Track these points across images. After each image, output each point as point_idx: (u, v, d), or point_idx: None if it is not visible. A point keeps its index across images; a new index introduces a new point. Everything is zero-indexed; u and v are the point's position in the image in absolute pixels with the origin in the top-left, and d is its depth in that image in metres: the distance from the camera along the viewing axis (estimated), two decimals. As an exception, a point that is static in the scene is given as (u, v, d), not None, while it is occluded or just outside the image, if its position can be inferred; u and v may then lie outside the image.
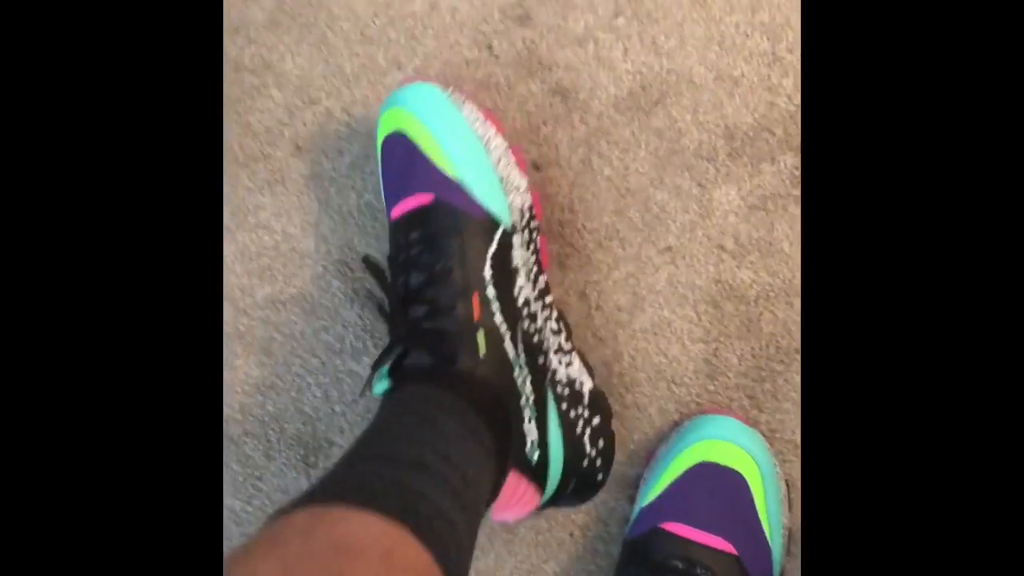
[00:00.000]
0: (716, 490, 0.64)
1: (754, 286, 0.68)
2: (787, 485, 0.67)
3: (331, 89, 0.72)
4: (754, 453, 0.64)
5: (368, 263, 0.64)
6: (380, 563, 0.42)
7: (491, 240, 0.62)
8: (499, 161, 0.64)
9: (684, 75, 0.68)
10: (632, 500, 0.68)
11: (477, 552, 0.71)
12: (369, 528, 0.44)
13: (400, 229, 0.63)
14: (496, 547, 0.71)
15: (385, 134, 0.65)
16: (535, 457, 0.61)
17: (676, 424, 0.68)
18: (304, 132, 0.73)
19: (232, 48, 0.72)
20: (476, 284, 0.61)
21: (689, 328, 0.69)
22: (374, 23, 0.71)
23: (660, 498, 0.65)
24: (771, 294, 0.68)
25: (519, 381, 0.61)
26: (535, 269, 0.64)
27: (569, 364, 0.65)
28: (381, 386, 0.59)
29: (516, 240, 0.63)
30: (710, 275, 0.68)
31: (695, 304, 0.69)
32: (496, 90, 0.70)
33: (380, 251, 0.72)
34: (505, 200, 0.63)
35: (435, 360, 0.58)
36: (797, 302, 0.68)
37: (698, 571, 0.62)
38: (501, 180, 0.63)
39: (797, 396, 0.68)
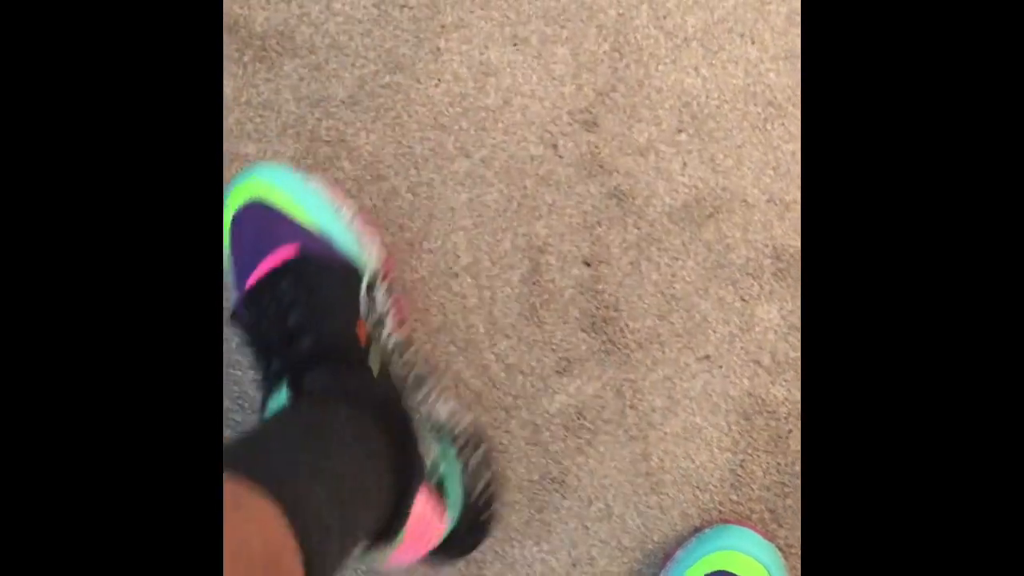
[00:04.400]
0: (731, 600, 0.65)
1: (786, 404, 0.70)
2: (800, 603, 0.68)
3: (399, 168, 0.75)
4: (770, 567, 0.66)
5: (235, 317, 0.65)
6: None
7: (360, 281, 0.65)
8: (351, 221, 0.68)
9: (738, 194, 0.71)
10: (645, 600, 0.69)
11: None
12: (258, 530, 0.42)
13: (264, 288, 0.64)
14: (506, 631, 0.72)
15: (237, 207, 0.67)
16: (434, 478, 0.61)
17: (697, 530, 0.70)
18: (368, 205, 0.76)
19: (310, 119, 0.76)
20: (356, 315, 0.63)
21: (719, 437, 0.71)
22: (448, 111, 0.75)
23: (675, 601, 0.66)
24: (801, 413, 0.70)
25: (412, 403, 0.62)
26: (396, 322, 0.66)
27: (446, 401, 0.67)
28: (278, 401, 0.59)
29: (379, 288, 0.66)
30: (744, 388, 0.70)
31: (727, 414, 0.71)
32: (556, 187, 0.73)
33: (429, 326, 0.74)
34: (363, 253, 0.67)
35: (334, 379, 0.58)
36: (826, 423, 0.69)
37: None
38: (355, 236, 0.67)
39: (817, 516, 0.69)
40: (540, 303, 0.73)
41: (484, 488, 0.66)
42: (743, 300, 0.71)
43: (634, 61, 0.72)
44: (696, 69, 0.72)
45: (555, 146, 0.74)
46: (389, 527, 0.56)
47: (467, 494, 0.65)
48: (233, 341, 0.72)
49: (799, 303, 0.70)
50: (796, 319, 0.70)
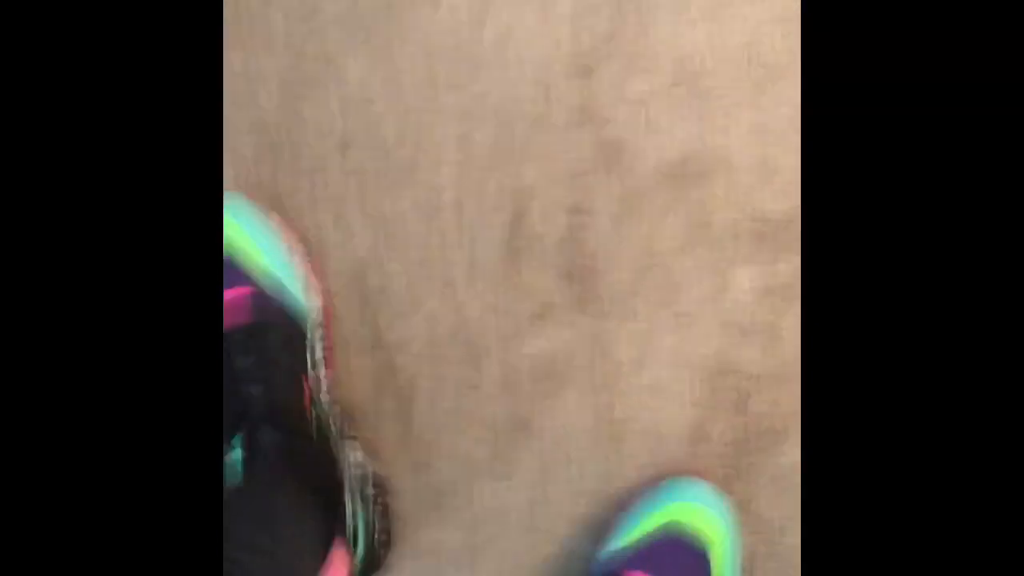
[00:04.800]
0: (680, 551, 0.68)
1: (753, 365, 0.71)
2: (751, 556, 0.72)
3: (387, 94, 0.74)
4: (722, 520, 0.68)
5: None
6: None
7: (305, 330, 0.68)
8: (300, 265, 0.71)
9: (727, 155, 0.71)
10: (598, 542, 0.72)
11: (443, 560, 0.75)
12: None
13: None
14: (461, 561, 0.75)
15: None
16: (351, 525, 0.67)
17: (654, 481, 0.72)
18: (353, 129, 0.74)
19: (297, 35, 0.73)
20: (301, 367, 0.67)
21: (684, 393, 0.72)
22: (442, 41, 0.73)
23: (627, 549, 0.69)
24: (767, 375, 0.71)
25: (339, 455, 0.67)
26: (327, 370, 0.71)
27: (355, 450, 0.71)
28: (236, 456, 0.63)
29: (317, 334, 0.70)
30: (714, 347, 0.72)
31: (694, 371, 0.72)
32: (547, 132, 0.72)
33: (408, 259, 0.74)
34: (307, 297, 0.70)
35: (280, 434, 0.63)
36: (790, 388, 0.71)
37: None
38: (303, 280, 0.70)
39: (774, 473, 0.72)
40: (521, 247, 0.73)
41: (384, 534, 0.72)
42: (722, 262, 0.71)
43: (635, 9, 0.70)
44: (696, 24, 0.70)
45: (548, 89, 0.72)
46: None
47: (368, 539, 0.70)
48: None
49: (777, 268, 0.71)
50: (772, 284, 0.71)
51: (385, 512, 0.73)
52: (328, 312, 0.74)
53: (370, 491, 0.71)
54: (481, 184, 0.73)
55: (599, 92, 0.71)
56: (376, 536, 0.71)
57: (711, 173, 0.71)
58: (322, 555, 0.63)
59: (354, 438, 0.73)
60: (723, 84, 0.70)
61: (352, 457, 0.70)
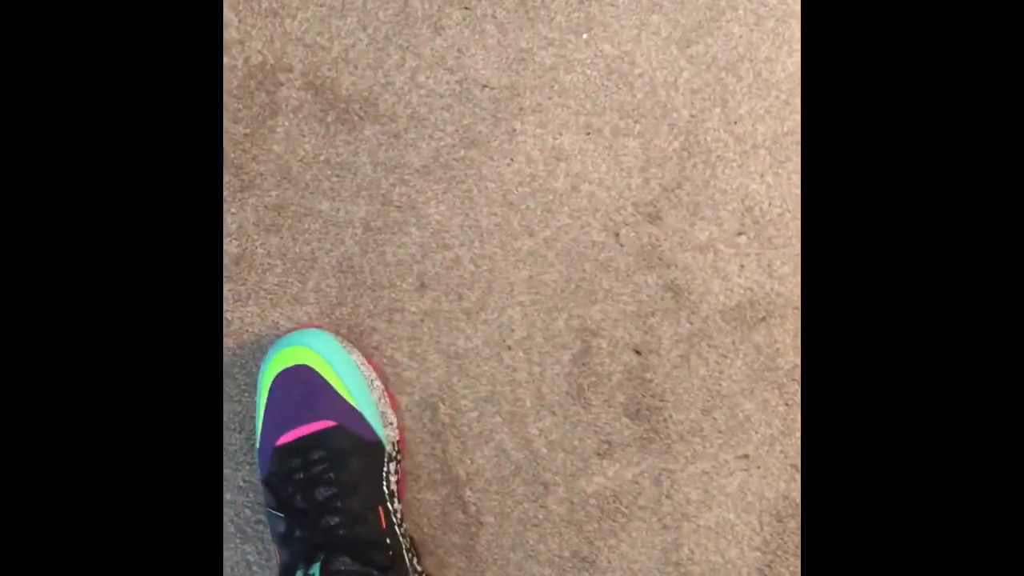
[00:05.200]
0: None
1: (819, 509, 0.71)
2: None
3: (464, 239, 0.78)
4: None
5: (267, 483, 0.71)
6: None
7: (383, 461, 0.71)
8: (380, 399, 0.74)
9: (791, 301, 0.73)
10: None
11: None
12: None
13: (295, 452, 0.70)
14: None
15: (283, 367, 0.73)
16: None
17: (720, 625, 0.71)
18: (431, 272, 0.78)
19: (384, 184, 0.79)
20: (379, 498, 0.69)
21: (750, 535, 0.72)
22: (517, 190, 0.77)
23: None
24: (834, 521, 0.71)
25: None
26: (397, 496, 0.73)
27: None
28: None
29: (392, 466, 0.72)
30: (780, 490, 0.72)
31: (760, 514, 0.72)
32: (614, 274, 0.76)
33: (477, 394, 0.77)
34: (384, 430, 0.73)
35: (357, 564, 0.65)
36: (857, 534, 0.71)
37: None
38: (381, 414, 0.73)
39: (840, 624, 0.70)
40: (588, 384, 0.75)
41: None
42: (787, 404, 0.73)
43: (702, 161, 0.74)
44: (762, 175, 0.74)
45: (617, 235, 0.76)
46: None
47: None
48: (259, 501, 0.76)
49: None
50: (837, 428, 0.72)
51: None
52: (403, 443, 0.76)
53: None
54: (549, 323, 0.76)
55: (666, 237, 0.75)
56: None
57: (775, 317, 0.73)
58: None
59: (420, 573, 0.74)
60: (785, 233, 0.73)
61: None
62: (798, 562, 0.71)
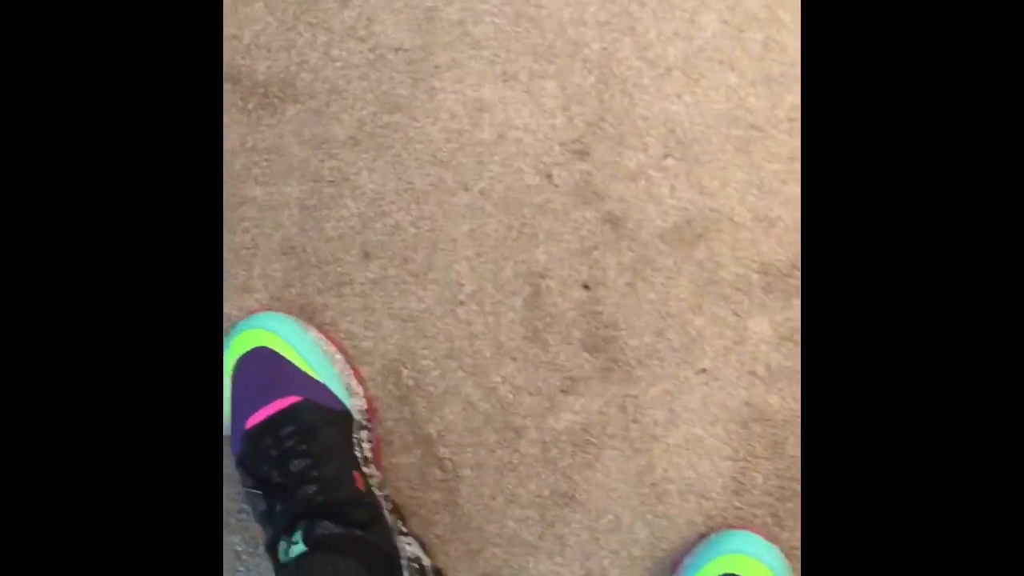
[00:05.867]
0: (738, 602, 0.68)
1: (781, 411, 0.73)
2: (805, 601, 0.71)
3: (402, 204, 0.79)
4: (774, 569, 0.69)
5: (241, 463, 0.72)
6: None
7: (353, 430, 0.72)
8: (342, 371, 0.75)
9: (725, 214, 0.75)
10: (657, 605, 0.72)
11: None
12: None
13: (265, 431, 0.71)
14: (525, 642, 0.75)
15: (242, 352, 0.74)
16: None
17: (702, 536, 0.73)
18: (374, 240, 0.79)
19: (314, 161, 0.79)
20: (353, 464, 0.71)
21: (719, 446, 0.74)
22: (445, 147, 0.78)
23: (685, 606, 0.69)
24: (797, 419, 0.73)
25: (397, 546, 0.70)
26: (373, 463, 0.74)
27: (410, 544, 0.74)
28: (296, 550, 0.66)
29: (363, 434, 0.73)
30: (741, 398, 0.74)
31: (726, 424, 0.74)
32: (553, 215, 0.77)
33: (437, 353, 0.78)
34: (351, 400, 0.74)
35: (339, 527, 0.66)
36: (821, 428, 0.73)
37: None
38: (345, 385, 0.74)
39: (817, 517, 0.72)
40: (543, 326, 0.77)
41: None
42: (735, 315, 0.74)
43: (619, 91, 0.76)
44: (679, 96, 0.75)
45: (550, 176, 0.77)
46: None
47: None
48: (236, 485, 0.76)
49: (788, 315, 0.74)
50: (786, 330, 0.74)
51: None
52: (372, 411, 0.77)
53: None
54: (496, 272, 0.77)
55: (597, 171, 0.76)
56: None
57: (712, 232, 0.75)
58: None
59: (406, 534, 0.75)
60: (710, 149, 0.75)
61: (407, 552, 0.72)
62: (768, 464, 0.73)
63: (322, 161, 0.80)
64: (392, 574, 0.66)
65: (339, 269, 0.80)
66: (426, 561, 0.75)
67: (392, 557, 0.66)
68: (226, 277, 0.80)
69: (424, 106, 0.79)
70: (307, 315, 0.79)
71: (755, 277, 0.74)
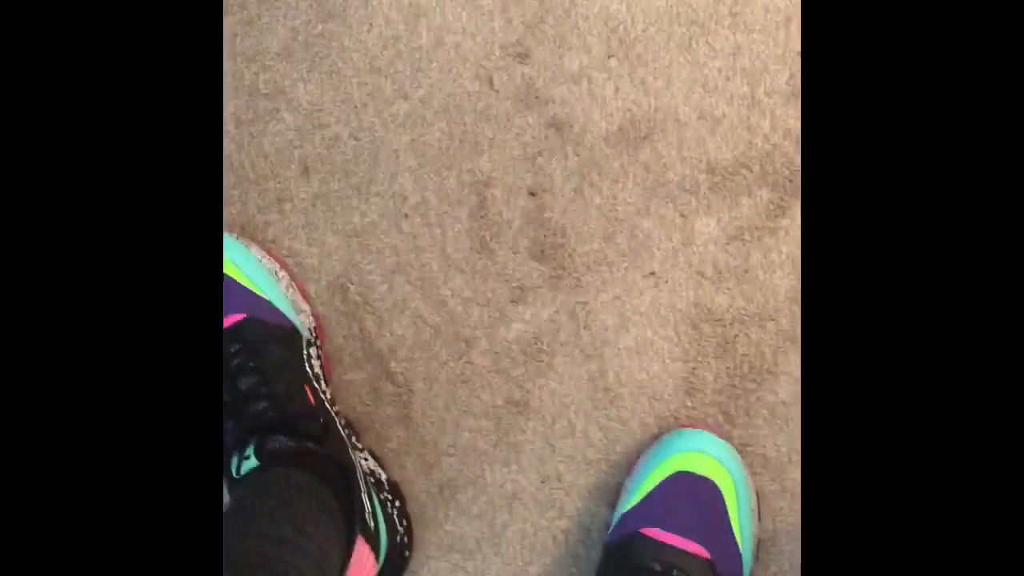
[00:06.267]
0: (692, 498, 0.69)
1: (730, 310, 0.73)
2: (757, 496, 0.73)
3: (340, 115, 0.77)
4: (728, 465, 0.70)
5: None
6: None
7: (301, 347, 0.71)
8: (287, 288, 0.74)
9: (670, 113, 0.74)
10: (613, 507, 0.73)
11: (465, 554, 0.76)
12: None
13: None
14: (483, 550, 0.76)
15: None
16: (372, 525, 0.68)
17: (656, 437, 0.74)
18: (313, 154, 0.77)
19: (247, 75, 0.77)
20: (304, 379, 0.70)
21: (670, 348, 0.74)
22: (382, 55, 0.76)
23: (639, 505, 0.70)
24: (745, 318, 0.73)
25: (353, 460, 0.69)
26: (323, 380, 0.73)
27: (366, 459, 0.73)
28: (248, 465, 0.65)
29: (312, 351, 0.72)
30: (690, 299, 0.74)
31: (676, 325, 0.74)
32: (495, 121, 0.75)
33: (384, 267, 0.76)
34: (298, 317, 0.72)
35: (292, 441, 0.65)
36: (770, 325, 0.73)
37: (674, 573, 0.67)
38: (291, 302, 0.73)
39: (768, 413, 0.73)
40: (490, 236, 0.76)
41: (404, 532, 0.74)
42: (683, 216, 0.74)
43: (560, -9, 0.74)
44: (621, -6, 0.73)
45: (491, 81, 0.75)
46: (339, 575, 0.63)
47: (390, 538, 0.71)
48: None
49: (735, 213, 0.73)
50: (734, 229, 0.74)
51: (402, 515, 0.74)
52: (320, 328, 0.76)
53: (384, 496, 0.73)
54: (440, 183, 0.76)
55: (538, 74, 0.74)
56: (398, 539, 0.73)
57: (657, 133, 0.74)
58: (347, 551, 0.64)
59: (361, 449, 0.75)
60: (653, 48, 0.73)
61: (363, 467, 0.71)
62: (719, 364, 0.74)
63: (256, 74, 0.77)
64: (347, 486, 0.66)
65: (278, 185, 0.78)
66: (382, 475, 0.75)
67: (347, 469, 0.66)
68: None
69: (359, 13, 0.76)
70: (248, 233, 0.78)
71: (702, 177, 0.74)
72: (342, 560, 0.63)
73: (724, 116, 0.73)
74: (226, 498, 0.67)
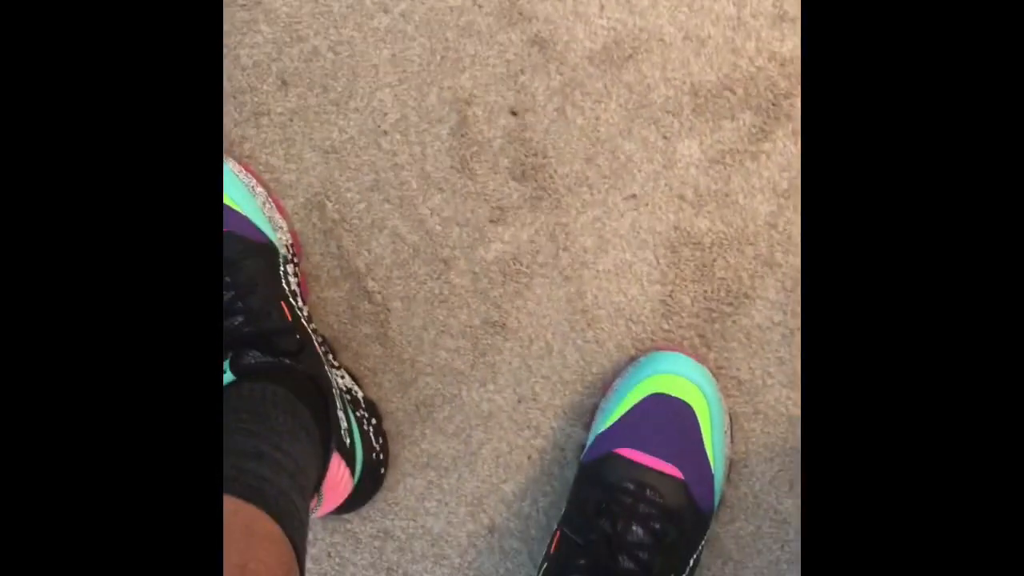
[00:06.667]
0: (666, 419, 0.70)
1: (709, 234, 0.74)
2: (730, 418, 0.74)
3: (319, 28, 0.75)
4: (702, 387, 0.70)
5: None
6: (243, 534, 0.50)
7: (278, 263, 0.70)
8: (264, 204, 0.73)
9: (655, 33, 0.73)
10: (588, 428, 0.74)
11: (441, 471, 0.77)
12: (226, 507, 0.51)
13: None
14: (459, 468, 0.76)
15: None
16: (348, 441, 0.68)
17: (632, 359, 0.74)
18: (291, 68, 0.76)
19: (223, -18, 0.75)
20: (280, 295, 0.69)
21: (648, 271, 0.74)
22: (363, -34, 0.74)
23: (615, 426, 0.71)
24: (725, 242, 0.73)
25: (328, 377, 0.69)
26: (300, 297, 0.73)
27: (343, 376, 0.73)
28: (225, 379, 0.64)
29: (289, 268, 0.72)
30: (670, 222, 0.74)
31: (655, 248, 0.74)
32: (478, 37, 0.74)
33: (362, 185, 0.76)
34: (275, 234, 0.72)
35: (268, 357, 0.65)
36: (748, 250, 0.73)
37: (647, 493, 0.68)
38: (268, 219, 0.72)
39: (743, 336, 0.74)
40: (470, 155, 0.75)
41: (380, 449, 0.74)
42: (665, 138, 0.73)
43: (546, -96, 0.72)
44: (608, -91, 0.72)
45: (473, -4, 0.74)
46: (315, 490, 0.63)
47: (366, 455, 0.72)
48: None
49: (718, 136, 0.73)
50: (715, 153, 0.73)
51: (378, 432, 0.75)
52: (297, 245, 0.75)
53: (361, 414, 0.73)
54: (421, 100, 0.75)
55: (522, -9, 0.73)
56: (373, 456, 0.73)
57: (642, 53, 0.73)
58: (323, 467, 0.64)
59: (338, 367, 0.75)
60: (640, -35, 0.72)
61: (339, 384, 0.71)
62: (696, 287, 0.74)
63: (231, -17, 0.75)
64: (323, 402, 0.66)
65: (256, 99, 0.76)
66: (358, 392, 0.75)
67: (323, 385, 0.66)
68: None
69: (338, -79, 0.74)
70: (225, 148, 0.76)
71: (685, 99, 0.73)
72: (318, 475, 0.64)
73: (709, 37, 0.72)
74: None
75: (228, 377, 0.64)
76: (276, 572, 0.51)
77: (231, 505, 0.52)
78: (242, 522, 0.51)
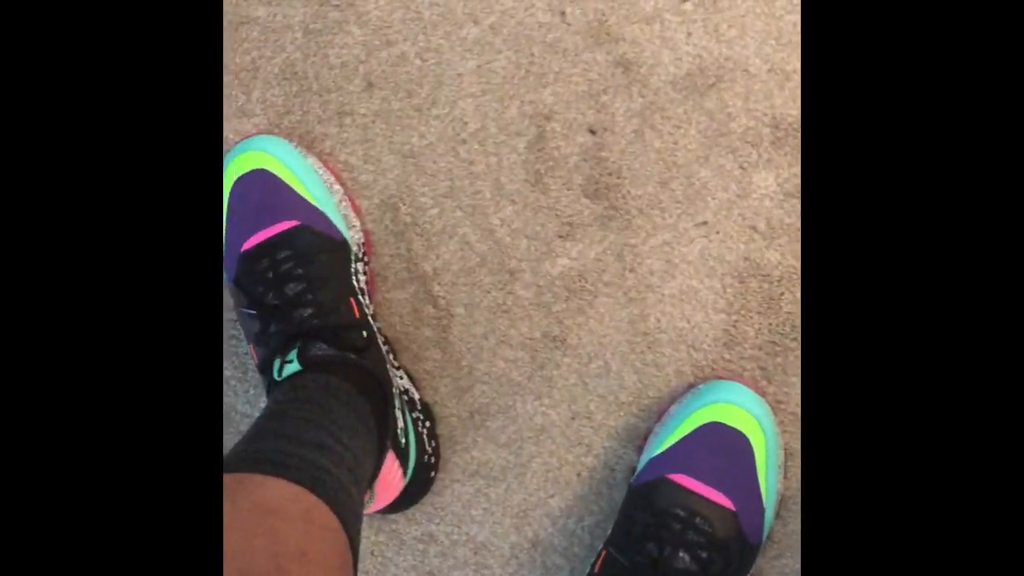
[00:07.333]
0: (722, 449, 0.69)
1: (779, 267, 0.73)
2: (785, 453, 0.73)
3: (408, 34, 0.76)
4: (760, 419, 0.70)
5: (237, 284, 0.71)
6: (302, 521, 0.51)
7: (350, 260, 0.72)
8: (340, 201, 0.74)
9: (740, 63, 0.73)
10: (640, 451, 0.74)
11: (489, 480, 0.77)
12: (287, 493, 0.52)
13: (262, 254, 0.70)
14: (508, 478, 0.77)
15: (241, 173, 0.72)
16: (403, 440, 0.69)
17: (691, 386, 0.74)
18: (377, 70, 0.77)
19: (319, -17, 0.76)
20: (350, 291, 0.70)
21: (714, 299, 0.74)
22: (456, -23, 0.75)
23: (669, 451, 0.70)
24: (794, 277, 0.73)
25: (389, 374, 0.70)
26: (367, 295, 0.74)
27: (401, 377, 0.74)
28: (290, 369, 0.65)
29: (359, 266, 0.73)
30: (740, 252, 0.74)
31: (722, 277, 0.74)
32: (563, 55, 0.75)
33: (436, 191, 0.77)
34: (348, 231, 0.73)
35: (334, 350, 0.66)
36: (816, 287, 0.73)
37: (697, 521, 0.67)
38: (344, 216, 0.73)
39: (804, 374, 0.73)
40: (545, 169, 0.76)
41: (432, 453, 0.74)
42: (741, 168, 0.73)
43: (643, -72, 0.73)
44: (704, -63, 0.72)
45: (563, 13, 0.75)
46: (368, 486, 0.64)
47: (419, 457, 0.72)
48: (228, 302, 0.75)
49: (795, 171, 0.73)
50: (791, 187, 0.73)
51: (431, 436, 0.75)
52: (368, 244, 0.76)
53: (416, 415, 0.73)
54: (501, 111, 0.76)
55: (612, 11, 0.74)
56: (425, 458, 0.74)
57: (725, 82, 0.73)
58: (378, 463, 0.65)
59: (397, 367, 0.75)
60: (731, -5, 0.72)
61: (398, 384, 0.72)
62: (761, 319, 0.74)
63: (327, -16, 0.77)
64: (383, 399, 0.67)
65: (340, 98, 0.78)
66: (415, 394, 0.75)
67: (384, 383, 0.67)
68: (225, 100, 0.78)
69: (437, -69, 0.75)
70: (306, 143, 0.78)
71: (765, 131, 0.73)
72: (373, 471, 0.65)
73: (795, 72, 0.73)
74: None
75: (295, 366, 0.65)
76: (333, 562, 0.51)
77: (291, 491, 0.52)
78: (302, 509, 0.52)
